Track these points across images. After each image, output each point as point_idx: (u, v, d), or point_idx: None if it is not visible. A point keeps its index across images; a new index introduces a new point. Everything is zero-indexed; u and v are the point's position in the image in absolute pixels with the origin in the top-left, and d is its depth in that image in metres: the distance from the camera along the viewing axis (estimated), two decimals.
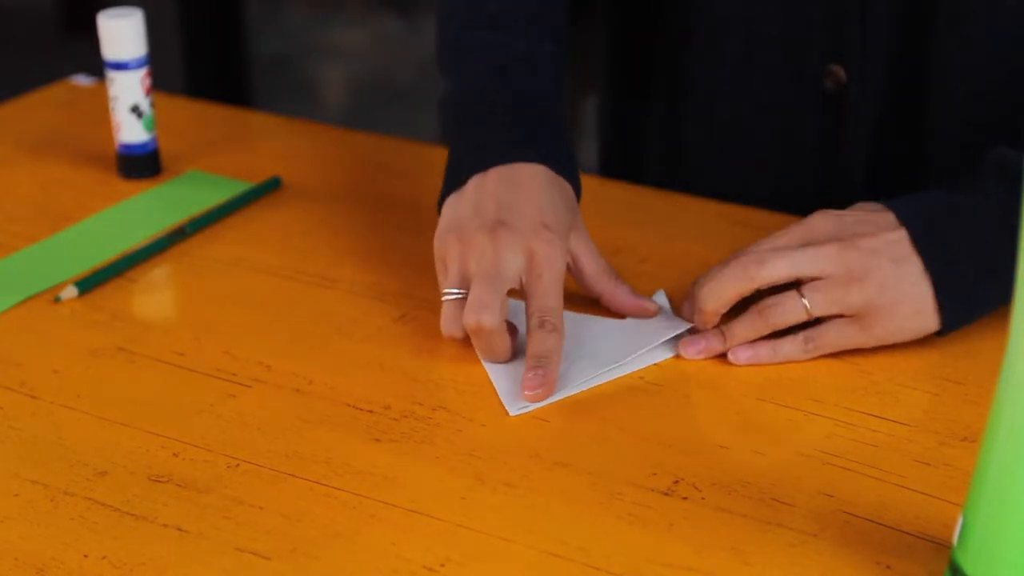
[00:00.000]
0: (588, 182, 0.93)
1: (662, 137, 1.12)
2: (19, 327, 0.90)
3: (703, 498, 0.73)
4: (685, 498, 0.73)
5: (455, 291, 0.84)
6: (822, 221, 0.84)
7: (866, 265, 0.82)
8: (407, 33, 3.20)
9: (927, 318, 0.83)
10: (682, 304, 0.87)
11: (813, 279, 0.82)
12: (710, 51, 1.05)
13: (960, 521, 0.64)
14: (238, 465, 0.76)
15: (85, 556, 0.70)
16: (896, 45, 0.98)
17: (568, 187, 0.89)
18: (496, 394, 0.82)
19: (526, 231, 0.84)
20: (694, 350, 0.84)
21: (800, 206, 0.98)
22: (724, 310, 0.84)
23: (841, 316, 0.83)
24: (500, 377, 0.83)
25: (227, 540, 0.71)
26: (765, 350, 0.83)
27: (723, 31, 1.04)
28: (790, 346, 0.83)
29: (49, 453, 0.78)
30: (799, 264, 0.82)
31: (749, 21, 1.02)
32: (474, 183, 0.88)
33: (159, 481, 0.75)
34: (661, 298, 0.89)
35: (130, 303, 0.93)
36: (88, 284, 0.93)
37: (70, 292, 0.92)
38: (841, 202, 0.88)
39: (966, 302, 0.83)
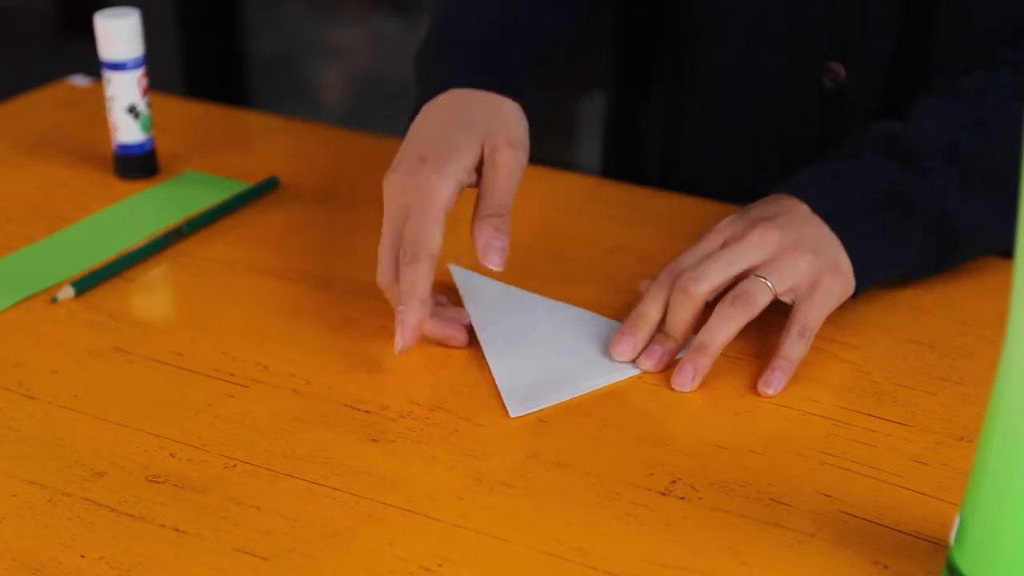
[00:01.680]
0: (587, 182, 0.93)
1: (663, 135, 1.12)
2: (16, 327, 0.90)
3: (701, 498, 0.73)
4: (683, 498, 0.73)
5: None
6: (731, 222, 0.86)
7: (790, 236, 0.83)
8: (405, 33, 3.20)
9: (852, 279, 0.85)
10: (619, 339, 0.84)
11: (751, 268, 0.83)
12: (711, 49, 1.05)
13: (957, 521, 0.64)
14: (235, 465, 0.76)
15: (82, 556, 0.70)
16: (895, 44, 0.98)
17: (503, 104, 0.88)
18: (494, 395, 0.82)
19: (405, 172, 0.84)
20: (686, 380, 0.81)
21: None
22: (689, 334, 0.83)
23: (798, 293, 0.83)
24: (505, 377, 0.83)
25: (225, 540, 0.71)
26: (783, 368, 0.81)
27: (724, 29, 1.04)
28: (796, 347, 0.82)
29: (47, 453, 0.78)
30: (732, 264, 0.83)
31: (750, 19, 1.03)
32: (417, 119, 0.90)
33: (156, 481, 0.75)
34: None
35: (128, 303, 0.93)
36: (85, 284, 0.93)
37: (67, 292, 0.92)
38: None
39: (871, 265, 0.85)
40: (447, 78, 0.89)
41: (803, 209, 0.85)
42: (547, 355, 0.84)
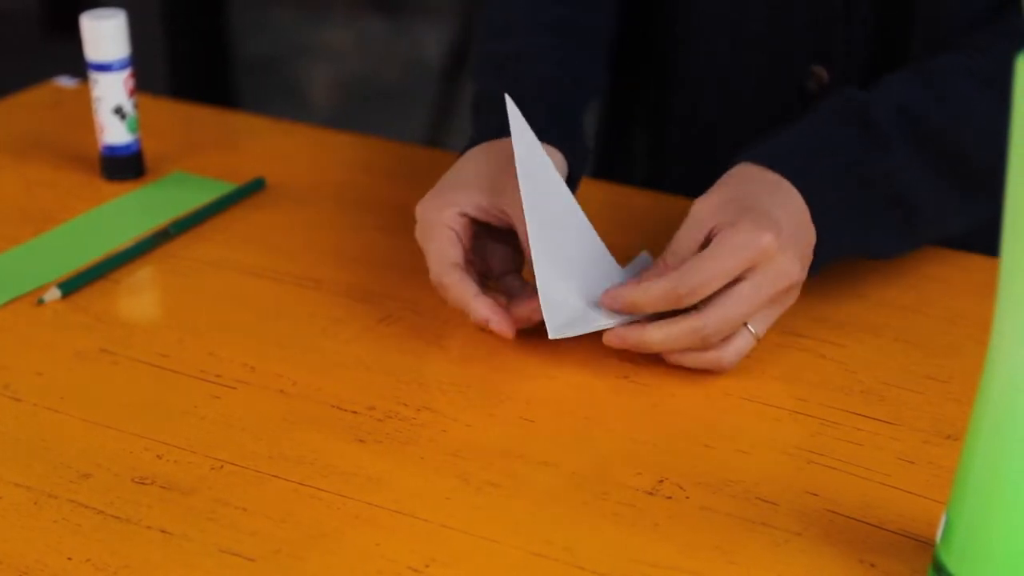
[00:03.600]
0: None
1: (649, 137, 1.13)
2: (2, 329, 0.89)
3: (688, 497, 0.73)
4: (670, 497, 0.73)
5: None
6: (753, 241, 0.79)
7: (798, 278, 0.82)
8: (393, 34, 3.20)
9: (801, 284, 0.84)
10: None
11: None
12: (696, 51, 1.06)
13: (944, 519, 0.64)
14: (222, 467, 0.76)
15: (69, 559, 0.70)
16: (878, 46, 0.98)
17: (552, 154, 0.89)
18: (482, 395, 0.82)
19: (422, 208, 0.87)
20: (611, 338, 0.81)
21: None
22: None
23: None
24: (549, 294, 0.81)
25: (211, 542, 0.71)
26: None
27: (709, 31, 1.04)
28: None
29: (32, 455, 0.77)
30: (738, 321, 0.80)
31: (735, 22, 1.03)
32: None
33: (143, 483, 0.75)
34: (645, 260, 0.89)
35: (114, 305, 0.93)
36: (72, 286, 0.93)
37: (53, 294, 0.92)
38: None
39: (828, 247, 0.84)
40: (492, 128, 0.91)
41: (799, 204, 0.82)
42: (588, 281, 0.83)
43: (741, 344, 0.81)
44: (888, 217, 0.86)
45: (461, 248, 0.85)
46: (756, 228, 0.79)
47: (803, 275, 0.82)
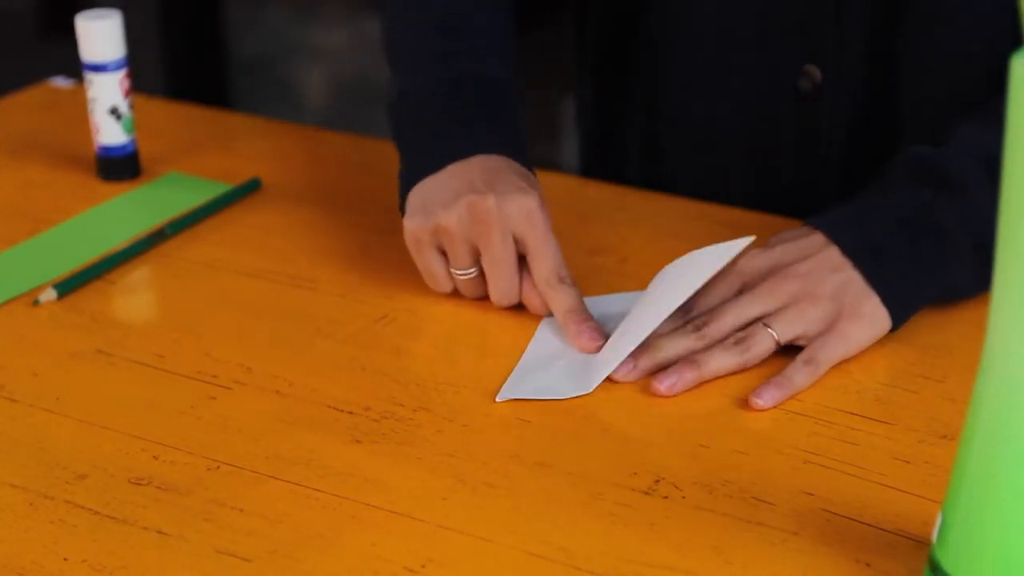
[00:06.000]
0: (568, 182, 0.94)
1: (641, 136, 1.12)
2: None
3: (684, 497, 0.73)
4: (666, 497, 0.73)
5: (467, 271, 0.88)
6: (752, 261, 0.85)
7: (807, 284, 0.83)
8: None
9: (883, 318, 0.83)
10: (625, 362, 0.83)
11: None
12: (687, 51, 1.05)
13: (939, 518, 0.64)
14: (218, 467, 0.76)
15: (65, 560, 0.70)
16: (871, 45, 0.98)
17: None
18: (478, 395, 0.82)
19: (512, 192, 0.86)
20: (665, 383, 0.81)
21: (778, 204, 0.98)
22: (670, 362, 0.83)
23: (810, 338, 0.82)
24: (525, 364, 0.84)
25: (208, 542, 0.71)
26: (780, 386, 0.81)
27: (700, 31, 1.04)
28: (798, 373, 0.81)
29: (28, 456, 0.77)
30: (741, 315, 0.83)
31: (724, 23, 1.03)
32: (454, 167, 0.89)
33: (139, 484, 0.75)
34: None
35: (110, 305, 0.93)
36: (67, 287, 0.93)
37: (49, 295, 0.92)
38: (817, 199, 0.89)
39: (905, 298, 0.84)
40: (468, 145, 0.91)
41: (832, 252, 0.84)
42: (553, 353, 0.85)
43: (761, 344, 0.82)
44: (980, 259, 0.84)
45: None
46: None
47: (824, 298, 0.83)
